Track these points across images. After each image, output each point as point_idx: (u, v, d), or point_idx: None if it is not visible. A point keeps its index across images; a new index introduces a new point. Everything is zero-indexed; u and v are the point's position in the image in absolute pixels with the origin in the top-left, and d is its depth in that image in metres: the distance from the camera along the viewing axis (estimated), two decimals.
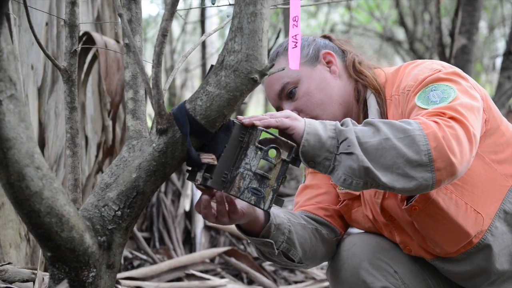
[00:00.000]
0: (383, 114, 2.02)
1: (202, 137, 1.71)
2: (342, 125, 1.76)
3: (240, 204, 1.87)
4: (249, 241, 2.08)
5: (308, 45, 2.11)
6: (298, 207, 2.21)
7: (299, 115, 1.97)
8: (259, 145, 1.78)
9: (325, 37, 2.21)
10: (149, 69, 1.82)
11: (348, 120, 1.77)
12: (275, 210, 2.01)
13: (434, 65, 1.99)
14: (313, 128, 1.74)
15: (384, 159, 1.70)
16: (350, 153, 1.69)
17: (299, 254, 2.04)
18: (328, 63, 2.10)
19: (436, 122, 1.74)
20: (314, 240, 2.08)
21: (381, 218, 2.05)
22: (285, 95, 2.08)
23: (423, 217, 1.95)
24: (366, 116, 2.06)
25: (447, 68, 1.97)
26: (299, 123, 1.76)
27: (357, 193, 2.10)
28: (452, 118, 1.77)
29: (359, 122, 1.97)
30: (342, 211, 2.17)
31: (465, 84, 1.92)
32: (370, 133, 1.72)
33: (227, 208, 1.85)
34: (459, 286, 2.13)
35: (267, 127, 1.77)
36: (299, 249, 2.03)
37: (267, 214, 1.98)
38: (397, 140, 1.70)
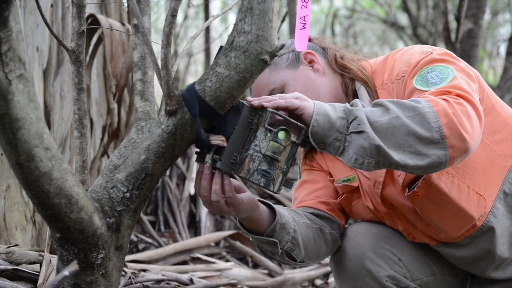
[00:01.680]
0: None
1: (211, 119, 1.70)
2: (351, 105, 1.75)
3: (241, 195, 1.83)
4: (251, 239, 2.04)
5: (286, 48, 2.06)
6: (298, 203, 2.19)
7: None
8: (269, 127, 1.77)
9: None
10: (156, 51, 1.81)
11: (357, 101, 1.76)
12: (280, 208, 1.99)
13: (424, 48, 1.99)
14: (322, 109, 1.72)
15: (395, 137, 1.68)
16: (361, 132, 1.68)
17: (302, 254, 2.02)
18: (310, 62, 2.09)
19: (444, 99, 1.73)
20: (317, 239, 2.06)
21: (382, 208, 2.04)
22: None
23: (426, 203, 1.94)
24: None
25: (438, 50, 1.97)
26: (309, 104, 1.75)
27: (356, 185, 2.09)
28: (458, 95, 1.76)
29: None
30: (343, 204, 2.16)
31: (459, 63, 1.93)
32: (379, 113, 1.71)
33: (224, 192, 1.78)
34: (463, 271, 2.12)
35: (277, 108, 1.76)
36: (302, 249, 2.01)
37: (272, 212, 1.95)
38: (407, 118, 1.69)
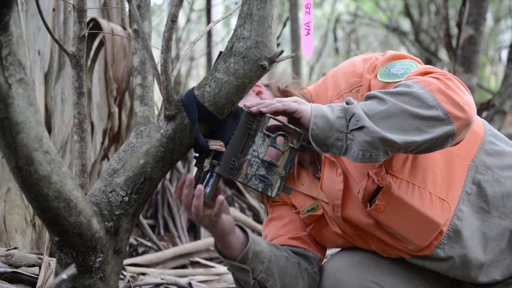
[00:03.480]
0: None
1: (210, 124, 1.71)
2: (347, 103, 1.75)
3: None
4: (226, 265, 2.02)
5: None
6: (269, 241, 2.15)
7: None
8: (267, 132, 1.78)
9: None
10: (156, 56, 1.82)
11: (351, 98, 1.77)
12: (258, 238, 1.97)
13: (365, 56, 2.00)
14: (319, 111, 1.73)
15: (398, 123, 1.69)
16: (361, 127, 1.68)
17: (278, 286, 1.98)
18: (258, 93, 2.06)
19: (433, 77, 1.74)
20: (295, 273, 2.02)
21: (350, 230, 2.02)
22: None
23: (390, 215, 1.91)
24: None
25: (376, 55, 1.99)
26: (306, 107, 1.75)
27: (320, 213, 2.05)
28: (441, 72, 1.78)
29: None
30: (313, 234, 2.13)
31: (408, 55, 1.95)
32: (375, 104, 1.71)
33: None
34: (450, 279, 2.09)
35: (275, 112, 1.76)
36: (278, 281, 1.97)
37: (246, 238, 1.94)
38: (405, 103, 1.70)
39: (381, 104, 1.71)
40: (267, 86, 2.13)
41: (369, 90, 1.88)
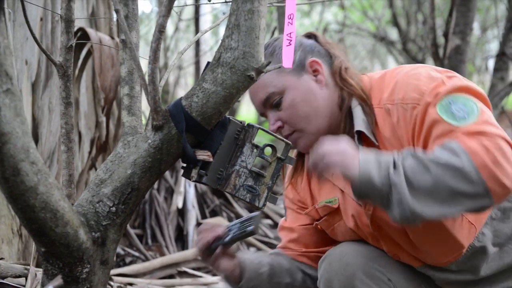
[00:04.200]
0: (371, 123, 1.96)
1: (197, 134, 1.71)
2: (395, 164, 1.77)
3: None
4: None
5: (294, 51, 2.00)
6: (282, 248, 2.24)
7: (283, 126, 1.99)
8: (255, 143, 1.78)
9: (310, 36, 2.12)
10: (144, 66, 1.82)
11: (399, 160, 1.77)
12: (251, 272, 2.10)
13: (431, 73, 1.93)
14: (367, 174, 1.75)
15: (438, 198, 1.74)
16: (400, 201, 1.73)
17: None
18: (315, 71, 2.02)
19: (482, 145, 1.75)
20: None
21: (368, 229, 2.03)
22: (270, 105, 2.02)
23: (420, 228, 1.92)
24: (350, 125, 2.00)
25: (445, 74, 1.94)
26: (353, 167, 1.76)
27: (335, 206, 2.08)
28: (493, 135, 1.77)
29: (340, 131, 1.99)
30: (323, 226, 2.15)
31: (473, 88, 1.91)
32: (420, 173, 1.74)
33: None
34: None
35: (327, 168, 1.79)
36: None
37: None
38: (448, 179, 1.73)
39: (425, 174, 1.73)
40: (330, 56, 2.05)
41: (425, 114, 1.86)
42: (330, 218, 2.12)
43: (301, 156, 2.17)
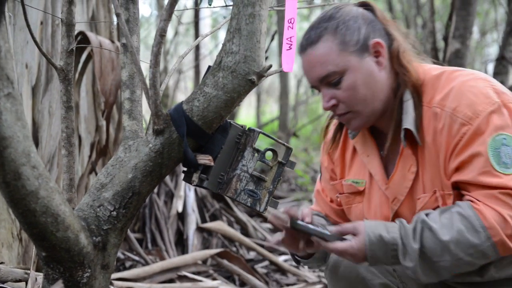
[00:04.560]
0: (417, 119, 1.93)
1: (199, 138, 1.71)
2: (402, 235, 1.84)
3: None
4: (304, 265, 2.19)
5: (358, 29, 1.93)
6: (318, 209, 2.28)
7: (338, 105, 1.94)
8: (256, 147, 1.78)
9: (366, 6, 2.00)
10: (144, 70, 1.82)
11: (409, 240, 1.84)
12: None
13: (489, 91, 1.88)
14: (374, 258, 1.86)
15: (449, 271, 1.85)
16: (414, 274, 1.85)
17: None
18: (376, 53, 1.94)
19: (503, 217, 1.79)
20: None
21: (386, 220, 2.04)
22: (327, 82, 1.92)
23: None
24: (399, 117, 1.96)
25: (500, 94, 1.89)
26: (359, 254, 1.86)
27: (361, 189, 2.09)
28: None
29: (392, 118, 1.96)
30: (342, 201, 2.16)
31: None
32: (438, 251, 1.82)
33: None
34: None
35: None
36: None
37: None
38: (467, 256, 1.81)
39: (443, 252, 1.81)
40: (388, 35, 1.98)
41: (473, 140, 1.84)
42: (351, 196, 2.12)
43: (340, 127, 2.16)
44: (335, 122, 2.17)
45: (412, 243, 1.82)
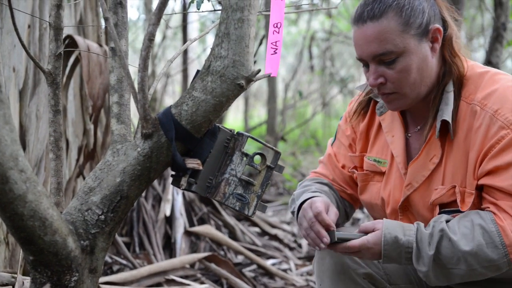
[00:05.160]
0: (454, 113, 1.93)
1: (187, 142, 1.71)
2: (418, 252, 1.87)
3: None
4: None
5: (423, 12, 1.90)
6: (325, 173, 2.30)
7: (385, 83, 1.93)
8: (245, 151, 1.79)
9: None
10: (132, 74, 1.82)
11: (424, 245, 1.87)
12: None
13: None
14: (389, 257, 1.90)
15: (462, 280, 1.87)
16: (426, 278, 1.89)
17: None
18: (434, 39, 1.93)
19: None
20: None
21: (395, 204, 2.06)
22: (380, 60, 1.91)
23: None
24: (437, 109, 1.96)
25: None
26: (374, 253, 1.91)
27: (383, 169, 2.10)
28: None
29: (432, 105, 1.96)
30: (359, 177, 2.17)
31: None
32: (454, 260, 1.84)
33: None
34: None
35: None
36: None
37: None
38: (482, 268, 1.84)
39: (459, 263, 1.84)
40: (443, 21, 1.97)
41: (506, 150, 1.84)
42: (371, 174, 2.14)
43: (369, 101, 2.17)
44: (359, 93, 2.18)
45: (427, 249, 1.84)
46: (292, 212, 2.19)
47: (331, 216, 1.96)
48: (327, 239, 1.90)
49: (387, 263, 1.90)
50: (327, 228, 1.92)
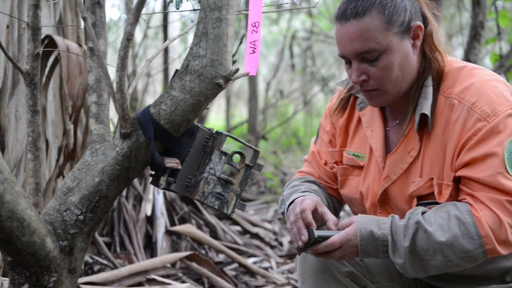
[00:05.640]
0: (432, 106, 1.95)
1: (166, 142, 1.72)
2: (394, 243, 1.88)
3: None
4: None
5: (405, 9, 1.92)
6: (310, 171, 2.31)
7: (368, 80, 1.94)
8: (224, 150, 1.79)
9: None
10: (112, 73, 1.82)
11: (399, 237, 1.88)
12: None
13: (506, 93, 1.90)
14: (365, 252, 1.92)
15: (439, 271, 1.89)
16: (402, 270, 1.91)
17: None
18: (415, 36, 1.94)
19: (501, 223, 1.83)
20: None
21: (375, 198, 2.08)
22: (363, 57, 1.92)
23: None
24: (416, 103, 1.98)
25: None
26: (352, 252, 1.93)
27: (361, 164, 2.12)
28: None
29: (411, 100, 1.98)
30: (339, 172, 2.19)
31: None
32: (430, 251, 1.86)
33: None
34: (423, 284, 2.16)
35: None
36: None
37: None
38: (458, 259, 1.86)
39: (435, 253, 1.85)
40: (423, 18, 1.97)
41: (489, 137, 1.85)
42: (350, 168, 2.16)
43: (349, 96, 2.19)
44: (340, 89, 2.19)
45: (403, 241, 1.86)
46: (282, 213, 2.20)
47: (328, 215, 2.00)
48: (305, 237, 1.91)
49: (366, 257, 1.91)
50: (308, 226, 1.93)
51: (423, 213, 1.90)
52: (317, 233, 1.90)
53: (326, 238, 1.91)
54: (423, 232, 1.84)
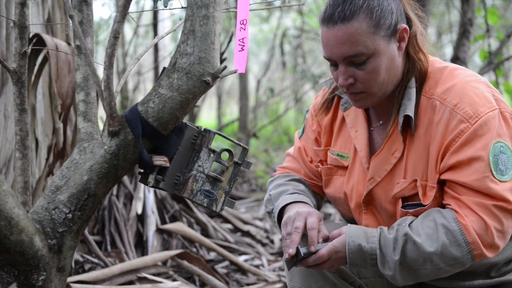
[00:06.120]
0: (416, 108, 1.95)
1: (154, 139, 1.72)
2: (381, 252, 1.90)
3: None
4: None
5: (391, 12, 1.91)
6: (295, 168, 2.32)
7: (355, 83, 1.94)
8: (212, 148, 1.79)
9: None
10: (100, 72, 1.81)
11: (389, 250, 1.90)
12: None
13: (486, 94, 1.90)
14: (355, 257, 1.93)
15: (429, 278, 1.92)
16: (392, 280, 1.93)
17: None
18: (400, 39, 1.95)
19: (487, 227, 1.84)
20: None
21: (359, 199, 2.08)
22: (350, 61, 1.91)
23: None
24: (400, 104, 1.98)
25: (499, 102, 1.92)
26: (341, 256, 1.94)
27: (345, 164, 2.13)
28: (506, 210, 1.86)
29: (395, 102, 1.99)
30: (323, 171, 2.20)
31: None
32: (420, 261, 1.87)
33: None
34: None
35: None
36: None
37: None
38: (447, 266, 1.88)
39: (425, 263, 1.87)
40: (408, 20, 1.97)
41: (473, 140, 1.86)
42: (334, 168, 2.16)
43: (334, 96, 2.20)
44: (330, 89, 2.20)
45: (392, 254, 1.87)
46: (269, 213, 2.20)
47: (322, 231, 2.01)
48: (292, 250, 1.92)
49: (354, 268, 1.94)
50: (310, 244, 1.97)
51: (410, 224, 1.91)
52: (302, 250, 1.92)
53: (313, 253, 1.93)
54: (412, 243, 1.86)
